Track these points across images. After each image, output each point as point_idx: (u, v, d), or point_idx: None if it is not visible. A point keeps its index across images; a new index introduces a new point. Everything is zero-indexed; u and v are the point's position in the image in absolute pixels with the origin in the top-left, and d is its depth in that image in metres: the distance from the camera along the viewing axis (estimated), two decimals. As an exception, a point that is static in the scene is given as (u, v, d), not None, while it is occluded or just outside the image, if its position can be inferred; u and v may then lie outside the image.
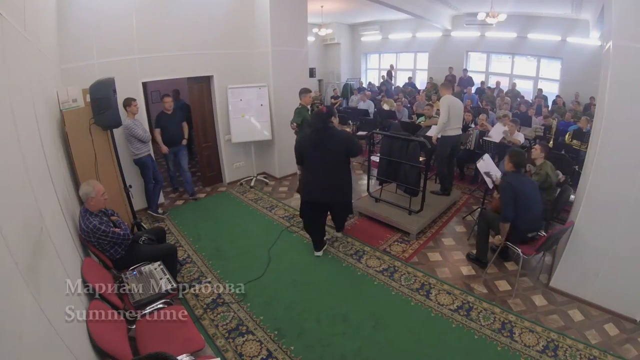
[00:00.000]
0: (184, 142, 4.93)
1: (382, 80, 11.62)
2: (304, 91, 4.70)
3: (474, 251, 3.61)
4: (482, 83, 9.85)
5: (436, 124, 4.52)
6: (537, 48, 9.06)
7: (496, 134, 5.11)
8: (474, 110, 7.04)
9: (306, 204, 3.49)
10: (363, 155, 3.87)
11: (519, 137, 5.11)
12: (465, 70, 10.17)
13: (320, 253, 3.68)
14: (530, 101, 8.48)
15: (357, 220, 4.45)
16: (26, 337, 1.05)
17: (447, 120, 4.22)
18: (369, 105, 8.50)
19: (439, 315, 2.83)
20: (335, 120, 3.49)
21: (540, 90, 8.67)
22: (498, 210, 3.28)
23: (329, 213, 3.75)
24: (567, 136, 5.75)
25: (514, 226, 3.03)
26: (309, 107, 4.75)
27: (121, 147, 3.88)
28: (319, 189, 3.30)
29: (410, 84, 11.09)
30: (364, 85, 11.60)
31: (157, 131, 4.72)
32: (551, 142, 5.95)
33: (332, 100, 11.09)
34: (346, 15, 11.20)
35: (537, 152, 3.70)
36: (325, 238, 3.77)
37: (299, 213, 3.83)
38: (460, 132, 4.52)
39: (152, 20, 4.29)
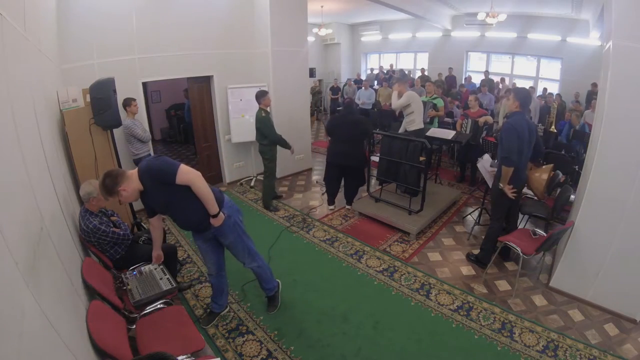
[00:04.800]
0: (214, 221, 2.40)
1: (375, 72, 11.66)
2: (263, 94, 4.32)
3: (474, 251, 3.61)
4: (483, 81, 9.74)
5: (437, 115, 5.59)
6: (537, 48, 9.06)
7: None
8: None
9: (330, 165, 4.53)
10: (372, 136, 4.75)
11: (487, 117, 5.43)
12: (451, 69, 10.25)
13: (332, 207, 4.73)
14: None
15: (357, 220, 4.45)
16: (26, 337, 1.05)
17: (405, 103, 4.57)
18: (369, 94, 8.40)
19: (439, 315, 2.83)
20: None
21: (545, 90, 8.61)
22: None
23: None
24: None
25: (515, 170, 3.01)
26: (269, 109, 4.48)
27: (121, 147, 3.89)
28: (341, 155, 4.31)
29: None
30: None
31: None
32: (553, 125, 6.04)
33: (331, 96, 11.19)
34: (346, 15, 11.20)
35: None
36: (334, 206, 4.76)
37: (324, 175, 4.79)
38: (423, 125, 4.80)
39: (152, 20, 4.30)
